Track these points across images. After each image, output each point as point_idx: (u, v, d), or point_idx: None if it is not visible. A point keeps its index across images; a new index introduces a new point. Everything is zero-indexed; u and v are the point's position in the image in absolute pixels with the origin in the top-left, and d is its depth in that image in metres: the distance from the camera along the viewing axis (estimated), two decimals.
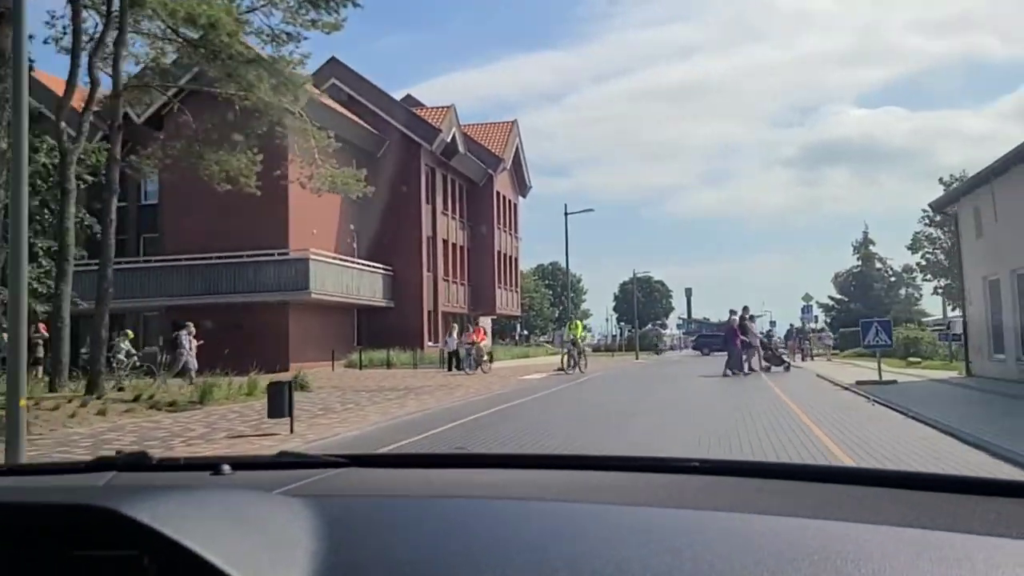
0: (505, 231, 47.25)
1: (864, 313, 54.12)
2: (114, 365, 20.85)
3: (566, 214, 34.65)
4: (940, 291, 65.84)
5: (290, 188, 30.23)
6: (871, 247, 63.27)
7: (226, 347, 22.56)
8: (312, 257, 29.46)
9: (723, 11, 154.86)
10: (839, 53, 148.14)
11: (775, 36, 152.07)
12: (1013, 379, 15.81)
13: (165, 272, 30.20)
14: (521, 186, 50.77)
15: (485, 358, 25.73)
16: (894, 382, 16.68)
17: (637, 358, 50.23)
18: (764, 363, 24.35)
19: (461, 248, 42.53)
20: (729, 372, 22.41)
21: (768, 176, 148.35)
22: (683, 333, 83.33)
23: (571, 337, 28.07)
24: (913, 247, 65.72)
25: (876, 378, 17.12)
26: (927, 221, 66.23)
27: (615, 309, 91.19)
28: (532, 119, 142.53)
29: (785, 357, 25.58)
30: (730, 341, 23.19)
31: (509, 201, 48.25)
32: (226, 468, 1.27)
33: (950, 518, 0.93)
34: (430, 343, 36.71)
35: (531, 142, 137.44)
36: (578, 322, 29.47)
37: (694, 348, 60.46)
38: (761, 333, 26.16)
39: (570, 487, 1.18)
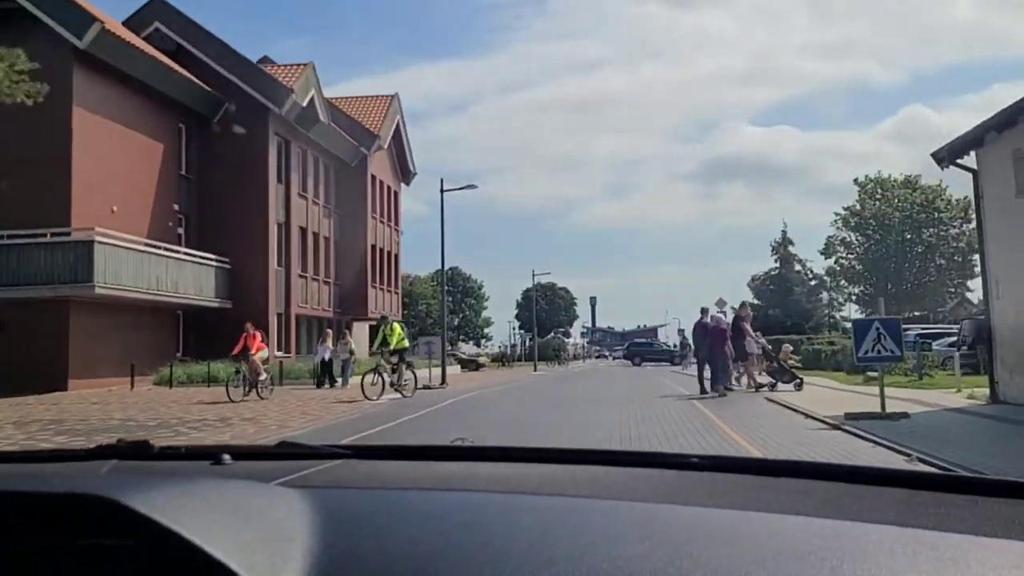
0: (382, 222, 40.38)
1: (783, 320, 49.46)
2: None
3: (442, 191, 28.33)
4: (854, 297, 62.86)
5: (75, 152, 23.27)
6: (790, 247, 58.94)
7: None
8: (98, 239, 22.06)
9: (626, 28, 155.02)
10: (735, 73, 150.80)
11: (676, 54, 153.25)
12: None
13: None
14: (403, 172, 44.03)
15: (263, 377, 18.49)
16: (905, 415, 10.73)
17: (535, 369, 44.21)
18: (770, 378, 18.03)
19: (325, 239, 35.48)
20: (716, 389, 16.46)
21: (670, 189, 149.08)
22: (587, 342, 78.43)
23: (383, 347, 19.06)
24: (826, 252, 62.38)
25: (871, 408, 11.24)
26: (839, 225, 63.29)
27: (517, 318, 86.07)
28: (438, 128, 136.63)
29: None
30: (715, 347, 17.06)
31: (388, 187, 41.41)
32: (226, 458, 1.22)
33: (948, 518, 0.90)
34: (279, 353, 29.70)
35: (436, 151, 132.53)
36: (396, 324, 20.11)
37: (624, 357, 55.88)
38: (762, 338, 18.70)
39: (570, 482, 1.14)
